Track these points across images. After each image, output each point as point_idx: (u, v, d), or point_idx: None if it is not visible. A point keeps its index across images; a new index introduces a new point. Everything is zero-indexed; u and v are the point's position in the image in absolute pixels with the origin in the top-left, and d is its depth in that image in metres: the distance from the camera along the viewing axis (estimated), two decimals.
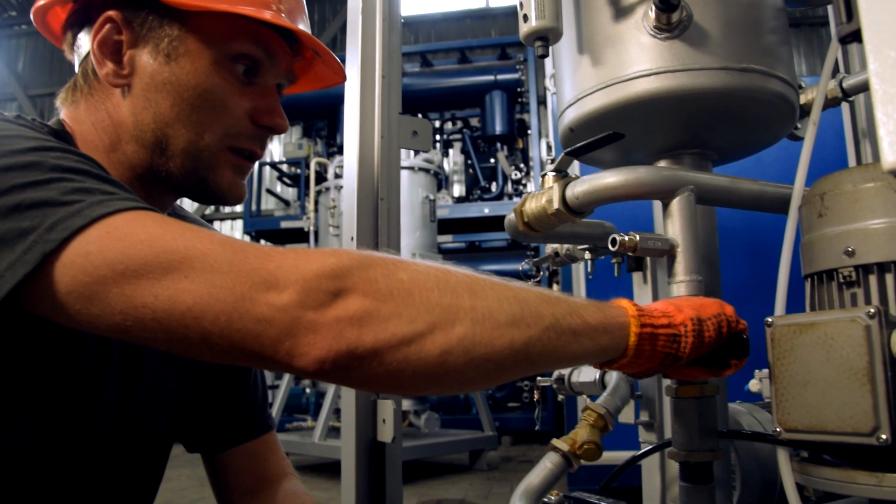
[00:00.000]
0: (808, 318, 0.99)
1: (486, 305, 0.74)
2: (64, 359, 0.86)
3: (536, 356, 0.78)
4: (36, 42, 13.62)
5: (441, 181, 8.24)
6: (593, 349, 0.86)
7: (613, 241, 1.15)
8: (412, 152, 6.63)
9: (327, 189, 6.70)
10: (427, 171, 6.44)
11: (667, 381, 1.16)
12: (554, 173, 1.23)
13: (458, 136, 9.97)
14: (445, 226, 7.98)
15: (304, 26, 1.00)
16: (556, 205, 1.19)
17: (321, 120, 10.45)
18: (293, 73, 1.05)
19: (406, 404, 6.12)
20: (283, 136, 11.07)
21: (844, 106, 3.13)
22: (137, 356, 0.99)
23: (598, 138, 1.14)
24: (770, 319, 1.04)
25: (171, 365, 1.07)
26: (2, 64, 13.53)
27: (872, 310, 0.91)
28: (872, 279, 1.02)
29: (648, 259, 1.56)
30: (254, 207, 9.97)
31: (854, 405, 0.92)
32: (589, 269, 1.62)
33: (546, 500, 1.23)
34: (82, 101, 0.97)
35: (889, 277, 1.01)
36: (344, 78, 1.14)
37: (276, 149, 11.82)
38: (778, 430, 1.03)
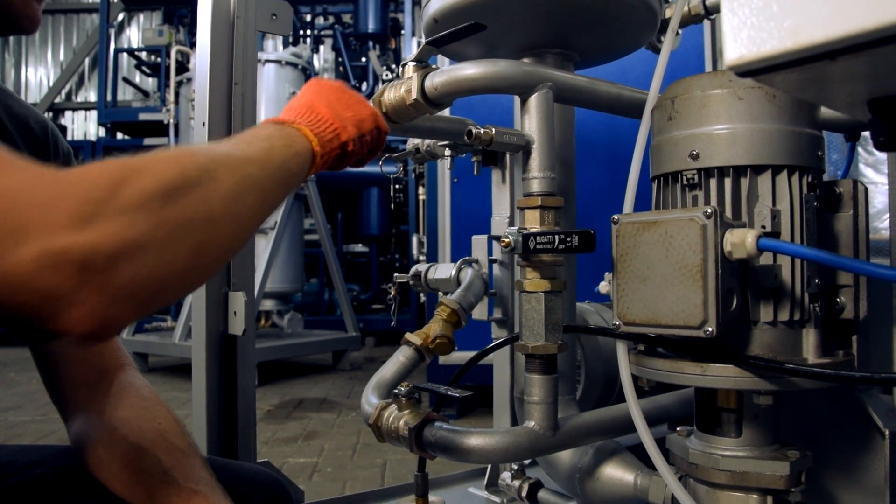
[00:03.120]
0: (651, 217, 1.02)
1: (206, 203, 0.69)
2: None
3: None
4: None
5: (310, 77, 7.99)
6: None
7: (469, 133, 1.15)
8: (280, 45, 6.37)
9: (189, 80, 6.35)
10: (295, 65, 6.20)
11: (517, 276, 1.18)
12: (414, 63, 1.20)
13: (330, 31, 9.65)
14: None
15: None
16: (414, 95, 1.17)
17: (184, 5, 9.84)
18: None
19: (269, 304, 6.07)
20: (142, 21, 10.32)
21: (706, 24, 3.23)
22: None
23: (459, 28, 1.11)
24: (616, 217, 1.07)
25: None
26: None
27: (709, 210, 0.95)
28: (713, 182, 1.06)
29: (508, 158, 1.56)
30: (109, 97, 9.38)
31: (686, 300, 0.97)
32: (449, 166, 1.61)
33: (396, 391, 1.25)
34: None
35: (727, 181, 1.05)
36: None
37: (134, 35, 11.09)
38: (617, 323, 1.07)
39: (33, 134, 1.07)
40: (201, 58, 1.61)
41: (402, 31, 8.94)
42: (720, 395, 1.11)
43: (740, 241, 0.93)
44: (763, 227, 1.02)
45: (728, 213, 1.04)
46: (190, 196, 0.66)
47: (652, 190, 1.19)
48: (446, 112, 1.42)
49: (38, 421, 4.11)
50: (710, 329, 0.94)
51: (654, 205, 1.17)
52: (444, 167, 3.63)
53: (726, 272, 0.96)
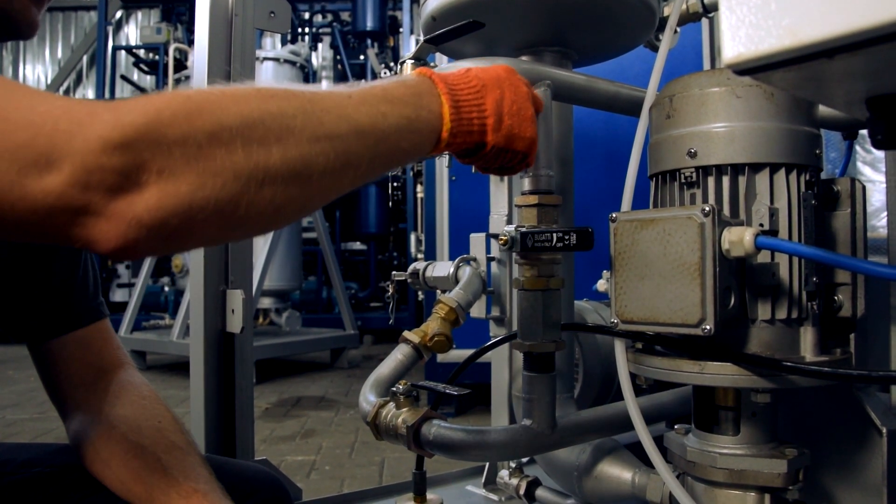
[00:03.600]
0: (649, 215, 1.02)
1: (296, 151, 0.66)
2: None
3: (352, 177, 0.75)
4: None
5: (308, 75, 7.97)
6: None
7: None
8: (278, 44, 6.36)
9: (187, 78, 6.36)
10: (293, 63, 6.19)
11: (515, 274, 1.18)
12: (412, 61, 1.19)
13: (328, 29, 9.63)
14: None
15: None
16: None
17: (182, 3, 9.82)
18: None
19: (267, 302, 6.06)
20: (140, 19, 10.30)
21: (704, 23, 3.23)
22: None
23: (458, 26, 1.11)
24: (614, 215, 1.07)
25: None
26: None
27: (707, 208, 0.95)
28: (711, 180, 1.06)
29: None
30: (107, 95, 9.36)
31: (684, 298, 0.97)
32: (447, 164, 1.61)
33: (394, 389, 1.25)
34: None
35: (725, 179, 1.05)
36: None
37: (132, 33, 11.07)
38: (615, 321, 1.07)
39: None
40: (199, 55, 1.60)
41: (401, 29, 8.92)
42: (718, 393, 1.11)
43: (738, 239, 0.93)
44: (761, 225, 1.02)
45: (726, 211, 1.04)
46: (246, 148, 0.63)
47: (650, 188, 1.19)
48: None
49: (35, 419, 4.11)
50: (707, 327, 0.94)
51: (652, 203, 1.17)
52: (442, 165, 3.63)
53: (724, 270, 0.96)
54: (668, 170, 1.11)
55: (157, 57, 9.38)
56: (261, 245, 5.11)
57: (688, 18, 1.66)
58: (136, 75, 10.51)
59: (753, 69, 0.54)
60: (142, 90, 10.07)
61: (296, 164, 0.66)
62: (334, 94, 0.73)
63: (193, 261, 1.60)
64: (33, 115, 0.57)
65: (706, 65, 3.31)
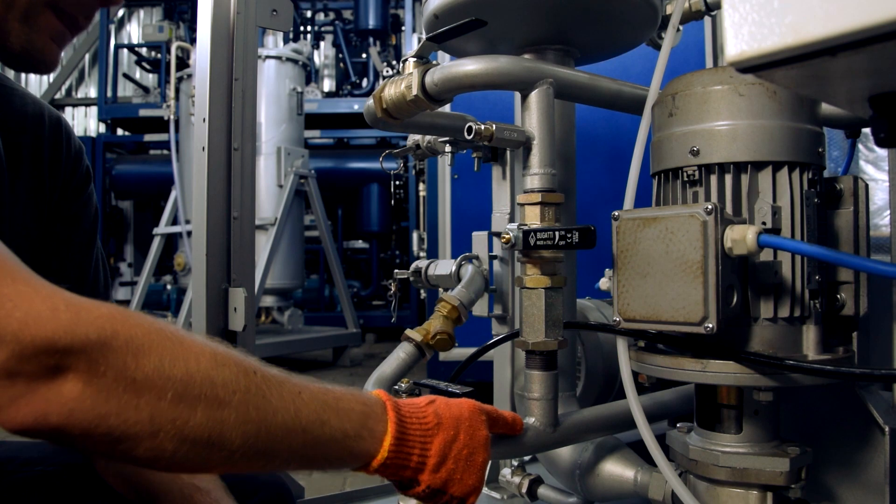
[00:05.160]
0: (652, 213, 1.02)
1: (218, 423, 0.66)
2: None
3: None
4: None
5: (310, 74, 7.98)
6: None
7: (469, 130, 1.14)
8: (280, 42, 6.36)
9: (189, 76, 6.33)
10: (295, 61, 6.18)
11: (517, 273, 1.18)
12: (415, 59, 1.19)
13: (330, 28, 9.62)
14: (314, 120, 7.77)
15: None
16: (414, 91, 1.16)
17: (184, 1, 9.82)
18: None
19: (269, 300, 6.06)
20: (142, 17, 10.30)
21: (707, 21, 3.23)
22: None
23: (460, 24, 1.11)
24: (617, 213, 1.07)
25: None
26: None
27: (710, 206, 0.95)
28: (713, 179, 1.06)
29: (508, 155, 1.56)
30: (109, 93, 9.35)
31: (687, 296, 0.97)
32: (450, 162, 1.61)
33: (396, 387, 1.25)
34: None
35: (728, 178, 1.05)
36: None
37: (134, 31, 11.06)
38: (617, 319, 1.07)
39: (44, 128, 1.07)
40: (201, 53, 1.60)
41: (403, 28, 8.93)
42: (720, 392, 1.11)
43: (741, 237, 0.93)
44: (763, 223, 1.02)
45: (728, 209, 1.04)
46: (175, 402, 0.64)
47: (652, 186, 1.19)
48: (447, 108, 1.42)
49: None
50: (710, 325, 0.94)
51: (655, 201, 1.17)
52: (444, 163, 3.62)
53: (727, 268, 0.96)
54: (670, 168, 1.11)
55: (159, 55, 9.37)
56: (263, 243, 5.11)
57: (690, 16, 1.66)
58: (138, 73, 10.51)
59: (756, 67, 0.53)
60: (144, 88, 10.07)
61: (213, 434, 0.66)
62: (288, 385, 0.74)
63: (195, 259, 1.60)
64: None
65: (709, 63, 3.30)
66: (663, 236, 1.00)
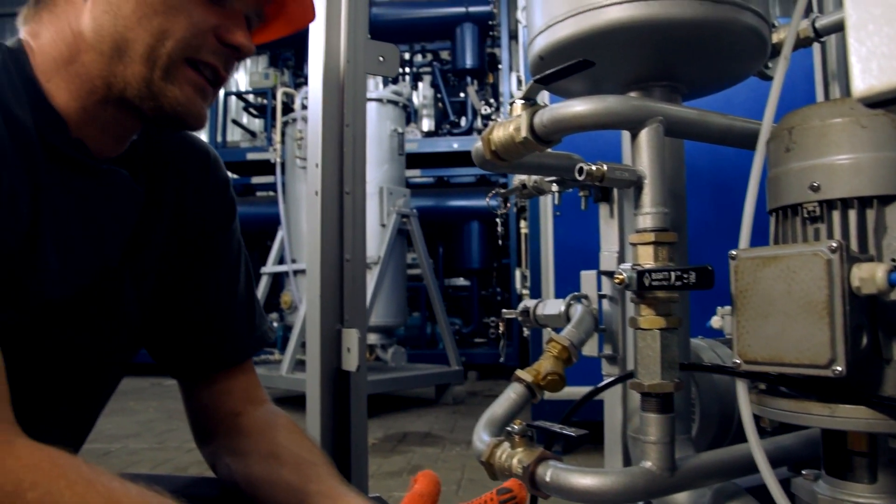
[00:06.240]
0: (772, 252, 0.99)
1: None
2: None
3: None
4: None
5: (410, 115, 8.13)
6: None
7: (580, 171, 1.14)
8: (380, 84, 6.52)
9: (294, 120, 6.57)
10: (395, 103, 6.33)
11: (630, 313, 1.17)
12: (522, 101, 1.20)
13: (428, 69, 9.82)
14: (414, 160, 7.90)
15: None
16: (523, 133, 1.17)
17: (288, 49, 10.22)
18: (262, 10, 1.02)
19: (373, 338, 6.15)
20: (249, 65, 10.75)
21: (815, 48, 3.13)
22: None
23: (568, 66, 1.11)
24: (734, 252, 1.04)
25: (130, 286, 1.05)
26: None
27: (834, 244, 0.92)
28: (836, 214, 1.02)
29: (616, 192, 1.55)
30: (219, 139, 9.78)
31: (812, 337, 0.93)
32: (556, 201, 1.61)
33: (509, 429, 1.24)
34: (44, 14, 0.94)
35: (851, 213, 1.01)
36: (314, 15, 1.10)
37: (241, 79, 11.56)
38: (738, 361, 1.04)
39: (190, 158, 1.14)
40: (313, 101, 1.67)
41: (500, 66, 9.02)
42: (850, 438, 1.05)
43: (870, 275, 0.90)
44: (893, 260, 0.98)
45: (854, 246, 1.00)
46: None
47: (770, 224, 1.15)
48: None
49: (155, 448, 4.28)
50: (838, 368, 0.90)
51: (773, 239, 1.14)
52: (545, 200, 3.62)
53: (855, 308, 0.92)
54: (789, 204, 1.08)
55: (264, 101, 9.77)
56: (367, 281, 5.20)
57: (799, 44, 1.61)
58: (245, 118, 10.97)
59: (888, 101, 0.52)
60: (251, 133, 10.50)
61: None
62: None
63: (309, 300, 1.65)
64: None
65: (819, 91, 3.19)
66: (784, 276, 0.97)
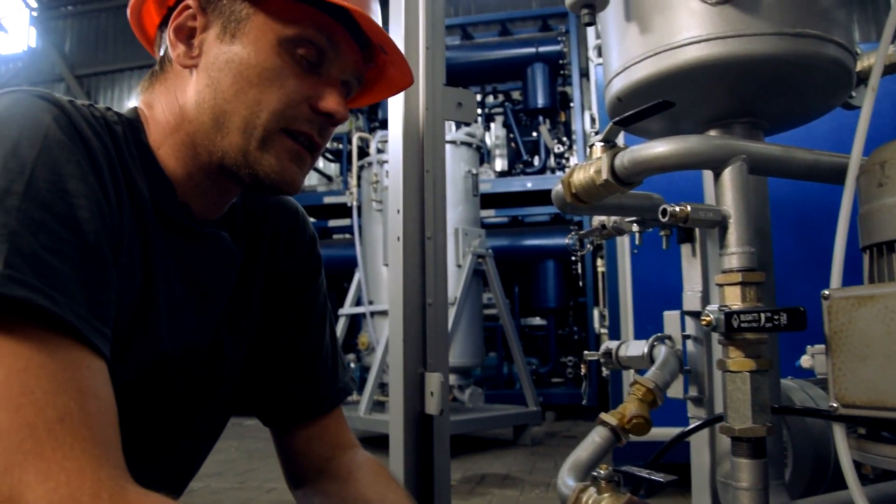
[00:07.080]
0: (868, 291, 0.96)
1: None
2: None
3: None
4: (81, 23, 13.85)
5: (483, 155, 8.18)
6: None
7: (664, 212, 1.13)
8: (453, 126, 6.60)
9: (369, 164, 6.69)
10: (469, 144, 6.38)
11: (717, 354, 1.14)
12: (602, 143, 1.21)
13: (500, 109, 9.87)
14: (488, 200, 7.93)
15: (374, 18, 0.99)
16: (604, 175, 1.17)
17: None
18: (361, 74, 1.05)
19: (450, 379, 6.13)
20: None
21: None
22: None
23: (648, 107, 1.11)
24: (827, 292, 1.01)
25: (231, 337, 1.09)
26: (49, 45, 13.78)
27: None
28: None
29: (697, 231, 1.53)
30: None
31: None
32: (637, 242, 1.59)
33: (595, 473, 1.22)
34: (157, 86, 1.01)
35: None
36: (412, 79, 1.12)
37: None
38: (835, 405, 1.00)
39: (282, 218, 1.18)
40: (394, 148, 1.70)
41: (572, 104, 9.03)
42: None
43: None
44: None
45: None
46: None
47: (863, 261, 1.12)
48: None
49: (236, 488, 4.34)
50: None
51: (867, 277, 1.11)
52: (624, 241, 3.58)
53: None
54: (884, 241, 1.05)
55: (340, 146, 9.98)
56: None
57: (887, 71, 1.57)
58: (321, 163, 11.22)
59: None
60: (327, 177, 10.72)
61: None
62: None
63: (392, 344, 1.67)
64: None
65: None
66: (882, 316, 0.94)
